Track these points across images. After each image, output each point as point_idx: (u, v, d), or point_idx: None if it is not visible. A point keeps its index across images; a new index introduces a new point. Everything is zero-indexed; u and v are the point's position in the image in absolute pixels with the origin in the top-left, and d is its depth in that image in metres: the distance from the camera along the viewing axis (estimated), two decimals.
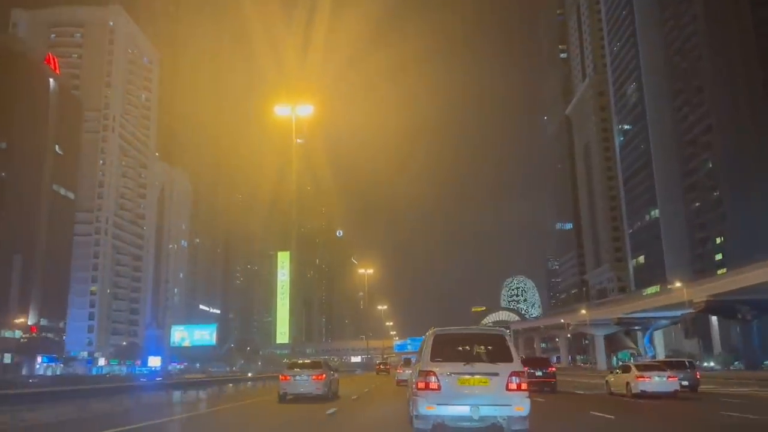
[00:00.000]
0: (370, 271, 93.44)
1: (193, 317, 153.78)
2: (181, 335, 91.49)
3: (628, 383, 22.93)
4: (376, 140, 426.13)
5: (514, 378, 9.34)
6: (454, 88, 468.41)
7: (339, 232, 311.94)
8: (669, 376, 22.36)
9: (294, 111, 35.43)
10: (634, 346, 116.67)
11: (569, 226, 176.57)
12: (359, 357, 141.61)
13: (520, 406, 9.26)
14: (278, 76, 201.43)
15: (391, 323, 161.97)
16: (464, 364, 9.49)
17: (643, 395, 21.81)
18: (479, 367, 9.50)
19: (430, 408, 9.38)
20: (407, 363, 34.46)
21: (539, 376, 26.29)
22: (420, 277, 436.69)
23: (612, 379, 25.59)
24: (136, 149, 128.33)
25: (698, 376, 27.78)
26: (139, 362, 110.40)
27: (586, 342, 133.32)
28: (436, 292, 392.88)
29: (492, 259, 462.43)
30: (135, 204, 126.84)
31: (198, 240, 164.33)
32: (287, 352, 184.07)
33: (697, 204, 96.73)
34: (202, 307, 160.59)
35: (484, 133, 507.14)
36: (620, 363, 49.75)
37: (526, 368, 11.18)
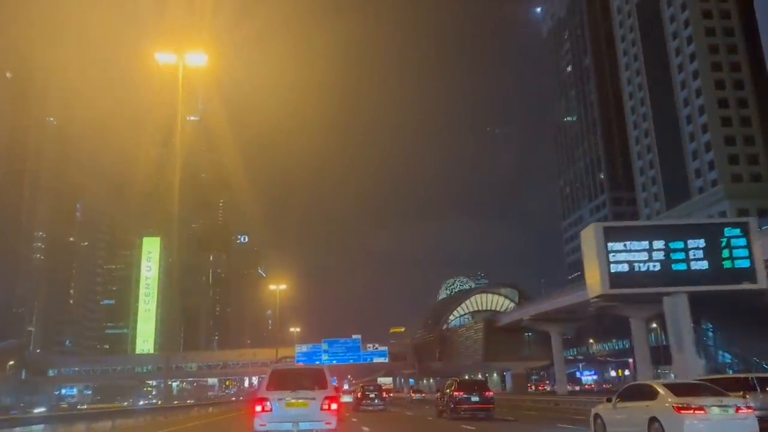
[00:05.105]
0: (283, 286, 76.26)
1: None
2: None
3: (653, 420, 11.54)
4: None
5: (326, 401, 12.60)
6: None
7: (243, 237, 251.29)
8: (738, 407, 11.24)
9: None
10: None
11: None
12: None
13: (329, 421, 12.61)
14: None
15: (298, 329, 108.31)
16: (291, 392, 12.66)
17: None
18: (302, 393, 12.70)
19: (262, 425, 12.45)
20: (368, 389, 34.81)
21: (474, 402, 23.98)
22: (338, 291, 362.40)
23: (606, 411, 13.61)
24: None
25: None
26: None
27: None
28: (354, 308, 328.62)
29: (416, 280, 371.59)
30: None
31: None
32: (150, 368, 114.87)
33: None
34: None
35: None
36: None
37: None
